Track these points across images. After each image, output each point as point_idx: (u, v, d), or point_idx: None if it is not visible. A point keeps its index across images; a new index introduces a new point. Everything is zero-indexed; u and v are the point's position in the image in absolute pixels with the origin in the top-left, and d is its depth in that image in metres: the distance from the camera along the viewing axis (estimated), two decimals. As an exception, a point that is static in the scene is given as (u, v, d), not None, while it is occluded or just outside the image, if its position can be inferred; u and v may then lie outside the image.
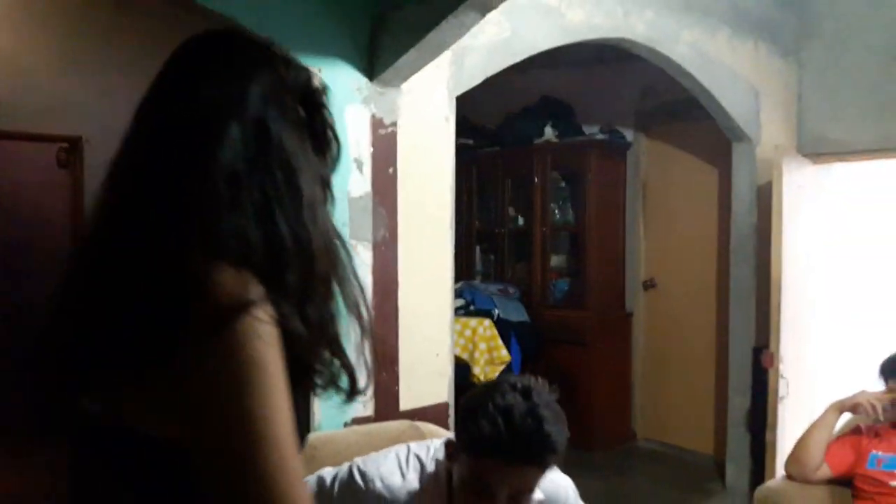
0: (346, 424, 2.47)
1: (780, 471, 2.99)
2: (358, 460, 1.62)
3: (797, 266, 3.55)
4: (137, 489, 0.74)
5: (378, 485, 1.53)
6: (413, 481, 1.54)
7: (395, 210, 2.65)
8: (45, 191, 5.17)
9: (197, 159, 0.75)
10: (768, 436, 3.49)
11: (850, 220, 3.77)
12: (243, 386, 0.67)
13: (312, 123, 0.86)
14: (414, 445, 1.64)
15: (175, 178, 0.74)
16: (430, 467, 1.56)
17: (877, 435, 2.58)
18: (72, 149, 4.50)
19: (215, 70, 0.80)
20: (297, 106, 0.84)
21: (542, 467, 1.34)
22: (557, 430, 1.33)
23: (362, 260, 2.53)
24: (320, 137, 0.86)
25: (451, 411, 2.80)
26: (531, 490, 1.36)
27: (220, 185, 0.74)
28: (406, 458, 1.59)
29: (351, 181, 2.51)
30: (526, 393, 1.35)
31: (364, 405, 2.52)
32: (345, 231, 2.24)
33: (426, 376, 2.76)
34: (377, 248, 2.59)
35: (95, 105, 4.34)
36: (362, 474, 1.57)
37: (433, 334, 2.79)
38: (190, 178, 0.74)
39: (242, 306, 0.69)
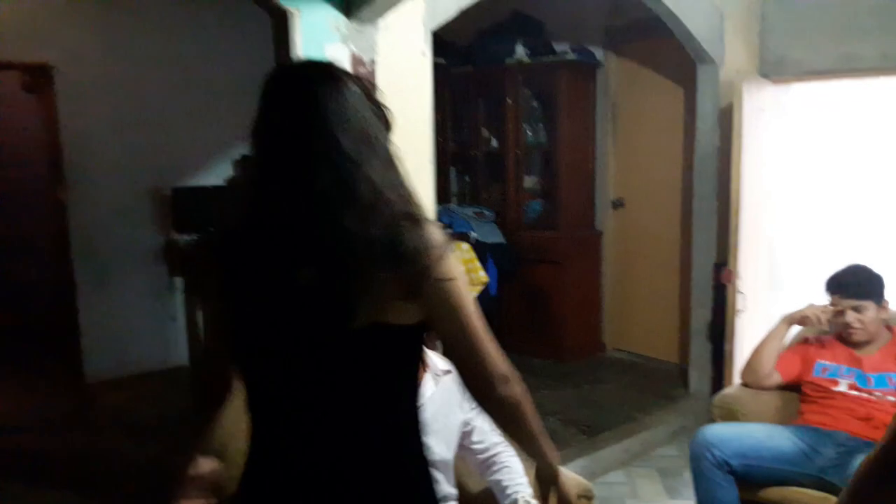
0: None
1: (737, 378, 3.17)
2: None
3: (757, 187, 3.67)
4: (391, 361, 1.14)
5: None
6: None
7: (375, 146, 2.72)
8: (14, 114, 5.18)
9: (361, 172, 1.09)
10: (726, 346, 3.69)
11: (809, 142, 3.86)
12: (465, 295, 1.14)
13: (380, 112, 1.17)
14: None
15: (349, 180, 1.08)
16: None
17: (822, 346, 2.79)
18: (40, 74, 4.44)
19: (337, 105, 1.10)
20: (373, 104, 1.16)
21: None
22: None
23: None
24: (386, 120, 1.19)
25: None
26: None
27: (382, 183, 1.11)
28: None
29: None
30: None
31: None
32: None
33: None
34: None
35: (64, 32, 4.27)
36: None
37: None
38: (360, 182, 1.09)
39: (449, 247, 1.12)
